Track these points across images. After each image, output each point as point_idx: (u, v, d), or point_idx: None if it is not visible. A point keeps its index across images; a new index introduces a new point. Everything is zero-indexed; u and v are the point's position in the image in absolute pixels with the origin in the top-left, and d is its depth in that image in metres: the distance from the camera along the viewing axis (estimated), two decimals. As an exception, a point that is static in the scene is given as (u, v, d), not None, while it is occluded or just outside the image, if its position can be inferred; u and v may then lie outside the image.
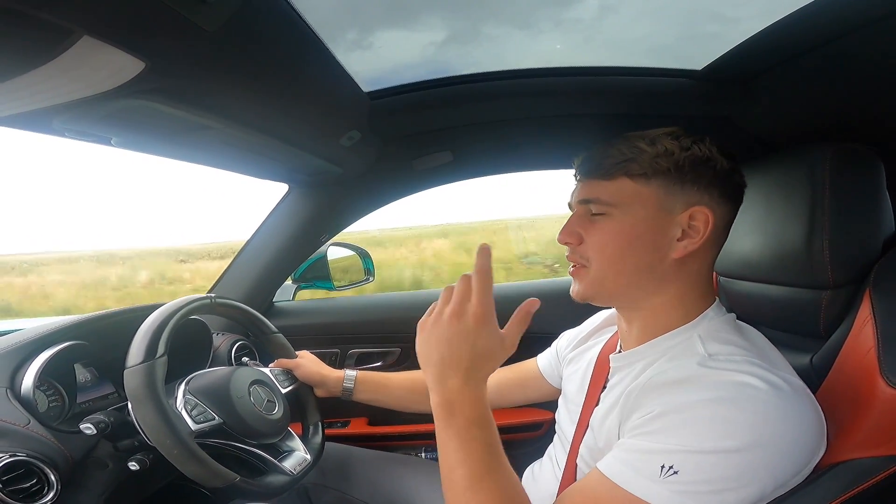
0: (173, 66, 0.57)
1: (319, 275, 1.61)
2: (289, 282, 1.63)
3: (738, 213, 0.93)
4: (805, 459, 0.62)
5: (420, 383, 1.19)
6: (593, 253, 0.75)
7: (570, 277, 0.81)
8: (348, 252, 1.66)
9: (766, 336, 0.74)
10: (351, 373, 1.20)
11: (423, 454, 1.57)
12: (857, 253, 0.78)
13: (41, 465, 0.82)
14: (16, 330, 1.04)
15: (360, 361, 1.58)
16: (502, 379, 1.16)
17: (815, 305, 0.81)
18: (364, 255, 1.68)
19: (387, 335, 1.59)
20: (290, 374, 1.16)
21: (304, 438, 1.11)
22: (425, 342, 0.70)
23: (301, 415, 1.17)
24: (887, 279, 0.74)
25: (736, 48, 0.92)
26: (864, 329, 0.72)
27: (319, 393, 1.19)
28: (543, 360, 1.11)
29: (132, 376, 0.83)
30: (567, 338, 1.07)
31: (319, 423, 1.17)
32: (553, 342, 1.14)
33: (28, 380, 0.91)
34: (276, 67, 0.72)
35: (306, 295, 1.74)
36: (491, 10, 1.03)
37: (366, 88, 1.02)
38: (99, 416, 0.93)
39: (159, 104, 0.65)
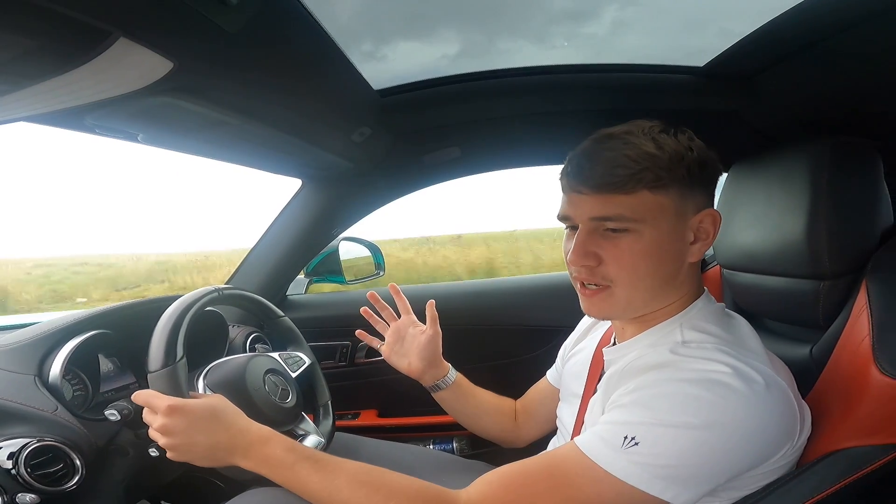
0: (198, 65, 0.61)
1: (331, 269, 1.63)
2: (301, 276, 1.66)
3: (741, 205, 0.96)
4: (766, 451, 0.64)
5: (502, 406, 1.13)
6: (619, 273, 0.70)
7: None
8: (359, 247, 1.69)
9: (767, 327, 0.75)
10: (454, 372, 1.11)
11: (431, 445, 1.61)
12: (854, 243, 0.79)
13: (68, 450, 0.84)
14: (33, 323, 1.08)
15: (371, 353, 1.61)
16: (529, 402, 1.14)
17: (815, 295, 0.82)
18: (375, 250, 1.71)
19: None
20: (298, 359, 1.17)
21: (316, 420, 1.14)
22: (189, 451, 0.77)
23: (311, 396, 1.19)
24: (883, 269, 0.76)
25: (738, 44, 0.93)
26: (859, 318, 0.74)
27: (420, 369, 1.07)
28: (551, 373, 1.11)
29: (156, 381, 0.85)
30: (566, 343, 1.08)
31: (329, 404, 1.19)
32: (558, 340, 1.14)
33: (56, 368, 0.94)
34: (292, 66, 0.76)
35: (318, 289, 1.77)
36: (507, 24, 1.05)
37: (376, 86, 1.05)
38: (123, 403, 0.96)
39: (184, 102, 0.69)
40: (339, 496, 0.70)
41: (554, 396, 1.06)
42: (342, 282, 1.65)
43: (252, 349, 1.32)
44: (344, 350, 1.61)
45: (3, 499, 0.74)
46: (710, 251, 1.19)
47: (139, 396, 0.81)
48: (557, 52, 1.10)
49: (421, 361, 1.05)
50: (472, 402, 1.10)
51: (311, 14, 0.70)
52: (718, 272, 1.16)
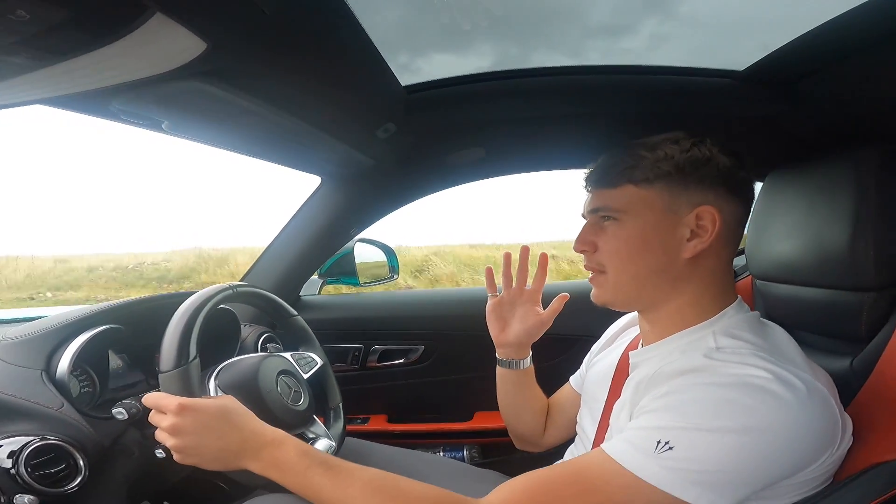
0: (232, 47, 0.58)
1: (346, 271, 1.62)
2: (315, 276, 1.64)
3: (778, 214, 0.93)
4: (805, 459, 0.62)
5: (545, 409, 1.12)
6: (607, 258, 0.78)
7: (587, 281, 0.83)
8: (374, 249, 1.67)
9: (803, 339, 0.74)
10: (531, 360, 1.07)
11: (441, 453, 1.58)
12: None
13: (71, 450, 0.82)
14: (44, 316, 1.05)
15: (384, 357, 1.59)
16: (553, 405, 1.14)
17: (858, 308, 0.80)
18: (389, 253, 1.69)
19: (410, 332, 1.60)
20: (310, 360, 1.15)
21: (327, 423, 1.12)
22: (197, 454, 0.76)
23: (321, 397, 1.16)
24: None
25: (780, 50, 0.91)
26: None
27: (509, 341, 1.04)
28: (574, 378, 1.11)
29: (168, 381, 0.83)
30: (592, 349, 1.08)
31: (340, 406, 1.17)
32: (579, 349, 1.13)
33: (64, 363, 0.91)
34: (322, 54, 0.73)
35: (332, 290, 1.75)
36: (543, 38, 1.05)
37: (403, 82, 1.03)
38: (131, 402, 0.93)
39: (214, 87, 0.66)
40: (352, 502, 0.68)
41: (576, 402, 1.05)
42: (356, 283, 1.64)
43: (264, 349, 1.30)
44: (356, 353, 1.59)
45: (1, 499, 0.71)
46: (741, 261, 1.17)
47: (149, 399, 0.79)
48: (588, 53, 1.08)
49: (516, 335, 1.02)
50: (527, 393, 1.08)
51: (344, 1, 0.67)
52: (750, 283, 1.13)
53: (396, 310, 1.66)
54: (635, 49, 1.04)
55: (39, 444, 0.78)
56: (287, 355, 1.10)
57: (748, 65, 1.00)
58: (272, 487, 0.87)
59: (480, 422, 1.58)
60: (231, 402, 0.79)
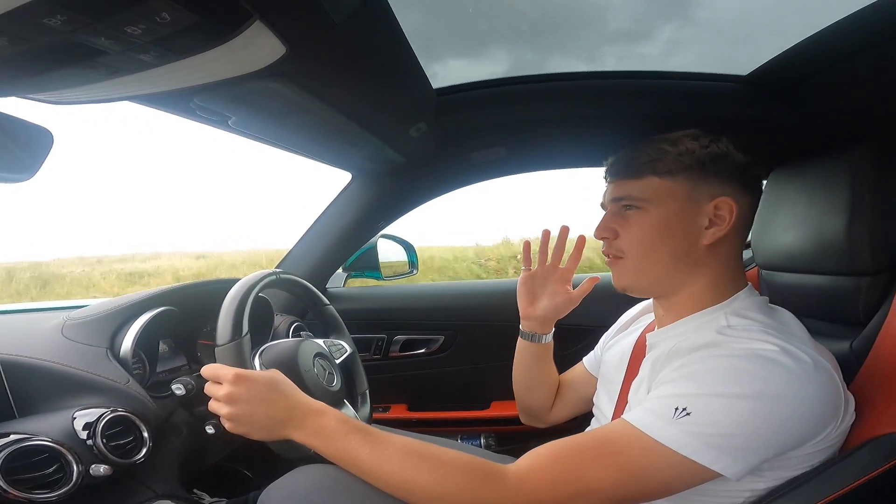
0: (305, 52, 0.66)
1: (369, 265, 1.70)
2: (340, 271, 1.72)
3: (781, 208, 1.00)
4: (814, 426, 0.67)
5: (560, 388, 1.17)
6: (629, 245, 0.82)
7: (604, 273, 0.88)
8: (396, 245, 1.75)
9: (808, 325, 0.78)
10: (552, 336, 1.11)
11: (458, 440, 1.64)
12: (894, 240, 0.84)
13: (139, 422, 0.87)
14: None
15: (405, 347, 1.66)
16: (564, 384, 1.19)
17: (855, 291, 0.87)
18: (409, 249, 1.77)
19: (431, 323, 1.67)
20: (340, 347, 1.21)
21: (355, 407, 1.18)
22: (249, 423, 0.80)
23: (350, 383, 1.22)
24: None
25: (782, 54, 0.97)
26: None
27: (535, 315, 1.07)
28: (588, 359, 1.16)
29: (224, 354, 0.88)
30: (607, 334, 1.13)
31: (367, 392, 1.24)
32: (592, 341, 1.18)
33: (127, 342, 0.98)
34: (372, 59, 0.81)
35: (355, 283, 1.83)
36: (559, 43, 1.10)
37: (434, 85, 1.10)
38: (186, 379, 1.01)
39: (282, 86, 0.74)
40: (389, 467, 0.72)
41: (587, 382, 1.11)
42: (378, 277, 1.72)
43: (295, 336, 1.36)
44: (379, 343, 1.66)
45: (78, 468, 0.75)
46: (747, 254, 1.25)
47: (207, 370, 0.84)
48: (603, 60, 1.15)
49: (544, 310, 1.06)
50: (543, 368, 1.12)
51: (391, 9, 0.75)
52: (756, 274, 1.20)
53: (418, 301, 1.73)
54: (651, 54, 1.09)
55: (111, 416, 0.83)
56: (320, 341, 1.16)
57: (752, 69, 1.07)
58: (308, 462, 0.92)
59: (497, 410, 1.65)
60: (279, 374, 0.84)
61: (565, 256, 1.08)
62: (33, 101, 0.66)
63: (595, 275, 1.06)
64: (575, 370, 1.18)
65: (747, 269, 1.26)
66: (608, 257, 0.87)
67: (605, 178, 0.89)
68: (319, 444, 0.77)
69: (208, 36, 0.54)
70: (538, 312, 1.06)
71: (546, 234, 1.08)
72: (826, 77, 0.98)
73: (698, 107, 1.16)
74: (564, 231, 1.07)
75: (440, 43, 1.06)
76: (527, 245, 1.10)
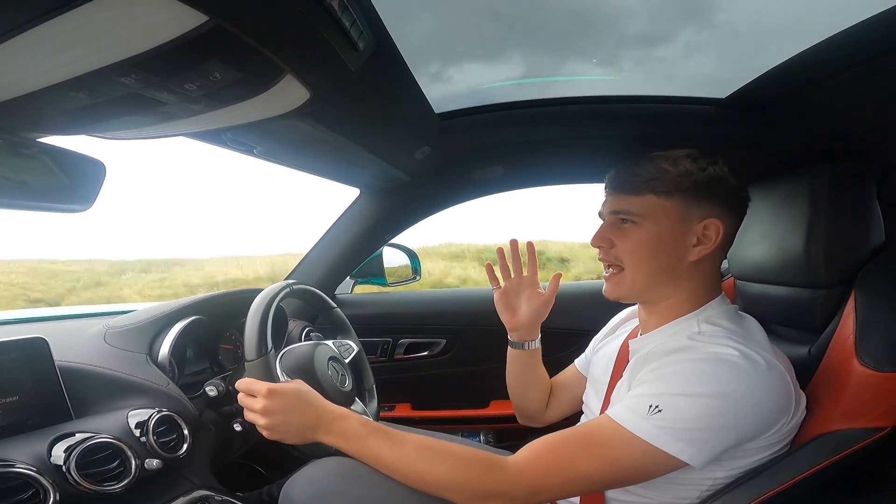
0: (326, 96, 0.75)
1: (375, 272, 1.79)
2: (347, 278, 1.81)
3: (753, 223, 1.06)
4: (766, 421, 0.75)
5: (549, 385, 1.24)
6: (625, 256, 0.88)
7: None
8: (400, 253, 1.84)
9: (774, 331, 0.88)
10: (539, 342, 1.18)
11: (459, 436, 1.69)
12: (847, 257, 0.92)
13: (180, 420, 0.95)
14: (123, 311, 1.21)
15: (409, 350, 1.76)
16: (557, 385, 1.26)
17: (813, 302, 0.95)
18: (413, 257, 1.86)
19: (433, 327, 1.77)
20: (348, 346, 1.30)
21: (363, 402, 1.26)
22: (284, 431, 0.87)
23: (358, 380, 1.30)
24: (870, 280, 0.89)
25: (756, 80, 1.05)
26: (847, 320, 0.86)
27: (520, 324, 1.13)
28: (579, 361, 1.23)
29: (254, 369, 0.94)
30: (596, 337, 1.20)
31: (374, 388, 1.32)
32: (584, 344, 1.24)
33: (164, 348, 1.07)
34: (382, 96, 0.91)
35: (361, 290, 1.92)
36: (576, 47, 1.13)
37: (437, 110, 1.19)
38: (216, 381, 1.09)
39: (304, 123, 0.84)
40: (407, 461, 0.80)
41: (579, 382, 1.18)
42: (384, 284, 1.81)
43: (307, 339, 1.45)
44: (385, 346, 1.75)
45: (135, 462, 0.83)
46: (725, 264, 1.34)
47: (242, 384, 0.91)
48: (626, 75, 1.19)
49: (525, 318, 1.12)
50: (534, 373, 1.19)
51: (401, 54, 0.85)
52: (732, 283, 1.29)
53: (422, 307, 1.83)
54: (670, 58, 1.12)
55: (158, 415, 0.92)
56: (329, 343, 1.24)
57: (729, 93, 1.15)
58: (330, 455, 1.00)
59: (496, 409, 1.75)
60: (303, 385, 0.92)
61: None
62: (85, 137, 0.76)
63: (558, 272, 1.13)
64: (567, 372, 1.25)
65: (724, 279, 1.35)
66: (606, 269, 0.93)
67: (606, 190, 0.94)
68: (345, 445, 0.85)
69: (248, 88, 0.64)
70: (522, 320, 1.12)
71: (500, 251, 1.14)
72: (792, 102, 1.06)
73: (681, 128, 1.25)
74: (514, 244, 1.13)
75: (454, 46, 1.10)
76: (489, 267, 1.14)
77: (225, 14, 0.47)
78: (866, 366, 0.79)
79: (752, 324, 0.88)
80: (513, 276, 1.13)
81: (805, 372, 0.89)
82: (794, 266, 0.96)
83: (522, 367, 1.18)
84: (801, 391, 0.83)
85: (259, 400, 0.87)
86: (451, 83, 1.16)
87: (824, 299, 0.94)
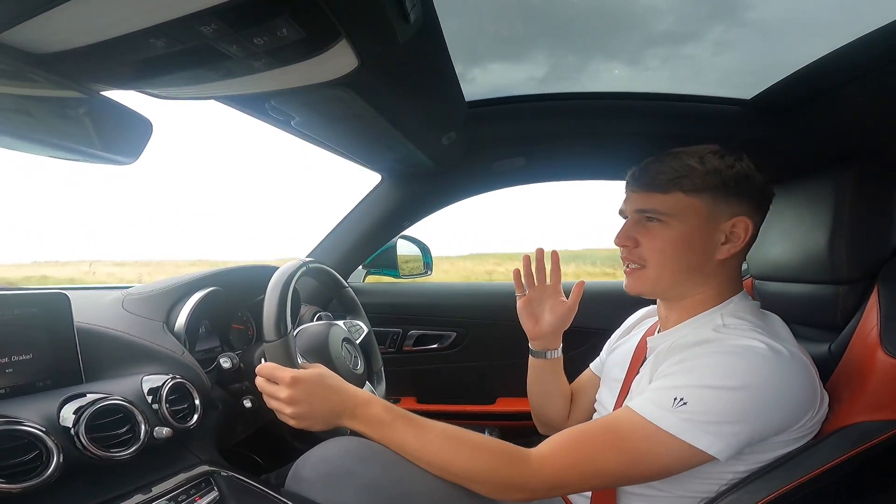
0: (372, 66, 0.75)
1: (387, 263, 1.80)
2: (360, 268, 1.82)
3: (773, 223, 1.08)
4: (793, 415, 0.75)
5: (575, 393, 1.23)
6: (651, 255, 0.87)
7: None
8: (413, 246, 1.85)
9: (793, 330, 0.86)
10: (561, 350, 1.18)
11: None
12: (869, 254, 0.93)
13: (192, 390, 0.94)
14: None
15: (419, 342, 1.76)
16: (575, 390, 1.25)
17: (834, 299, 0.96)
18: (425, 251, 1.87)
19: (444, 320, 1.77)
20: (358, 327, 1.30)
21: (372, 384, 1.26)
22: (310, 418, 0.86)
23: (367, 361, 1.29)
24: (894, 276, 0.91)
25: (781, 81, 1.07)
26: (870, 314, 0.88)
27: (543, 332, 1.14)
28: (595, 364, 1.23)
29: (273, 350, 0.93)
30: (612, 337, 1.20)
31: (382, 370, 1.32)
32: (597, 342, 1.26)
33: (182, 317, 1.06)
34: (421, 75, 0.91)
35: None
36: (602, 46, 1.14)
37: (466, 98, 1.20)
38: (231, 354, 1.09)
39: (346, 94, 0.84)
40: (431, 447, 0.80)
41: (595, 385, 1.17)
42: (396, 275, 1.81)
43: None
44: (394, 337, 1.75)
45: (145, 428, 0.81)
46: (744, 265, 1.35)
47: (264, 370, 0.89)
48: (651, 74, 1.20)
49: (549, 326, 1.12)
50: (556, 381, 1.18)
51: (443, 34, 0.85)
52: (751, 284, 1.30)
53: (433, 298, 1.83)
54: (698, 55, 1.12)
55: (172, 382, 0.90)
56: (341, 323, 1.24)
57: (755, 94, 1.17)
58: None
59: (502, 406, 1.74)
60: (325, 370, 0.90)
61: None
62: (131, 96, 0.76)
63: (581, 280, 1.12)
64: (583, 377, 1.24)
65: (743, 279, 1.36)
66: (627, 266, 0.92)
67: (629, 188, 0.92)
68: (369, 431, 0.84)
69: (307, 49, 0.64)
70: (545, 329, 1.12)
71: (526, 259, 1.14)
72: (818, 103, 1.08)
73: (705, 127, 1.26)
74: (540, 253, 1.13)
75: (481, 46, 1.11)
76: (517, 273, 1.14)
77: None
78: (891, 355, 0.80)
79: (776, 320, 0.88)
80: (536, 284, 1.13)
81: (825, 369, 0.89)
82: (817, 263, 0.97)
83: (544, 375, 1.18)
84: (824, 389, 0.83)
85: (283, 389, 0.85)
86: (475, 84, 1.17)
87: (846, 296, 0.95)
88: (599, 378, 1.17)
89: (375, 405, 0.86)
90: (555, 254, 1.13)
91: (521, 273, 1.13)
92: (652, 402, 0.75)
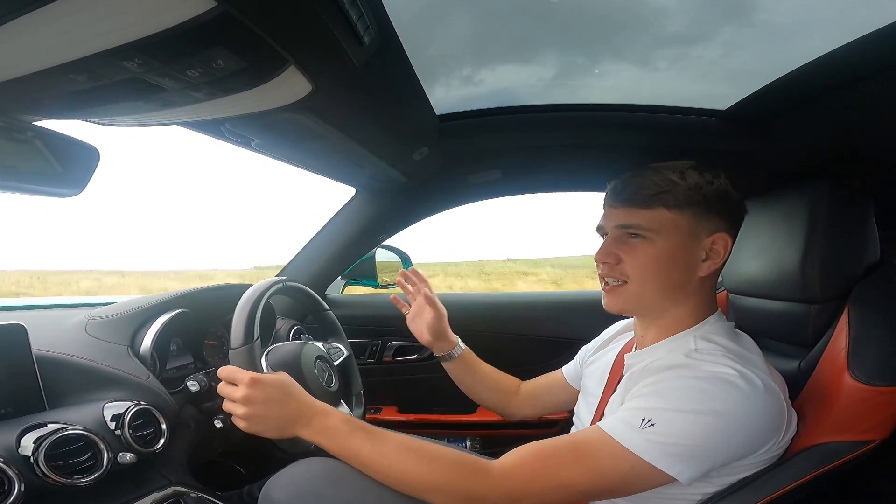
0: (328, 89, 0.74)
1: (366, 273, 1.78)
2: (339, 278, 1.80)
3: (749, 238, 1.08)
4: (758, 441, 0.75)
5: (499, 380, 1.27)
6: (633, 272, 0.85)
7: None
8: (392, 255, 1.83)
9: (764, 345, 0.87)
10: (462, 344, 1.25)
11: (445, 441, 1.70)
12: (842, 274, 0.92)
13: (158, 414, 0.93)
14: (107, 303, 1.18)
15: (399, 353, 1.74)
16: (536, 388, 1.27)
17: (805, 317, 0.96)
18: (405, 259, 1.85)
19: None
20: (338, 350, 1.29)
21: (350, 407, 1.25)
22: (263, 424, 0.85)
23: (346, 384, 1.29)
24: (864, 296, 0.90)
25: (756, 92, 1.06)
26: (840, 335, 0.87)
27: (428, 340, 1.22)
28: (568, 369, 1.23)
29: (237, 356, 0.94)
30: (587, 348, 1.20)
31: (361, 393, 1.31)
32: (575, 352, 1.25)
33: (147, 340, 1.05)
34: (384, 94, 0.89)
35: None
36: (612, 48, 1.11)
37: (437, 112, 1.18)
38: (199, 376, 1.08)
39: (304, 117, 0.82)
40: (387, 461, 0.79)
41: (562, 388, 1.21)
42: (375, 285, 1.79)
43: (295, 339, 1.43)
44: (374, 348, 1.74)
45: (108, 456, 0.81)
46: (719, 278, 1.34)
47: (224, 371, 0.88)
48: (661, 75, 1.17)
49: (430, 331, 1.20)
50: (475, 375, 1.25)
51: (405, 52, 0.84)
52: (725, 297, 1.29)
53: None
54: (707, 57, 1.10)
55: (136, 408, 0.90)
56: (320, 344, 1.23)
57: (729, 105, 1.16)
58: (311, 455, 0.97)
59: (482, 415, 1.74)
60: (288, 378, 0.90)
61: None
62: (79, 122, 0.74)
63: (411, 269, 1.27)
64: (552, 377, 1.26)
65: (717, 291, 1.35)
66: (605, 283, 0.90)
67: (608, 203, 0.90)
68: (325, 442, 0.83)
69: (251, 78, 0.62)
70: (428, 336, 1.21)
71: (400, 282, 1.26)
72: (793, 115, 1.07)
73: (680, 139, 1.25)
74: (403, 273, 1.25)
75: (488, 48, 1.10)
76: (395, 299, 1.30)
77: (233, 0, 0.46)
78: (858, 380, 0.80)
79: (749, 342, 0.87)
80: (413, 301, 1.23)
81: (794, 386, 0.89)
82: (789, 281, 0.97)
83: (462, 373, 1.25)
84: (793, 410, 0.82)
85: (240, 389, 0.85)
86: (484, 85, 1.17)
87: (817, 314, 0.94)
88: (570, 385, 1.19)
89: (334, 416, 0.85)
90: (413, 270, 1.25)
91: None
92: (621, 421, 0.75)
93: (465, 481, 0.77)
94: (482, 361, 1.27)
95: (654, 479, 0.73)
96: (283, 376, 0.90)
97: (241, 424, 0.85)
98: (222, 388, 0.88)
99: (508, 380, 1.28)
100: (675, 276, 0.85)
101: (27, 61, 0.51)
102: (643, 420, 0.72)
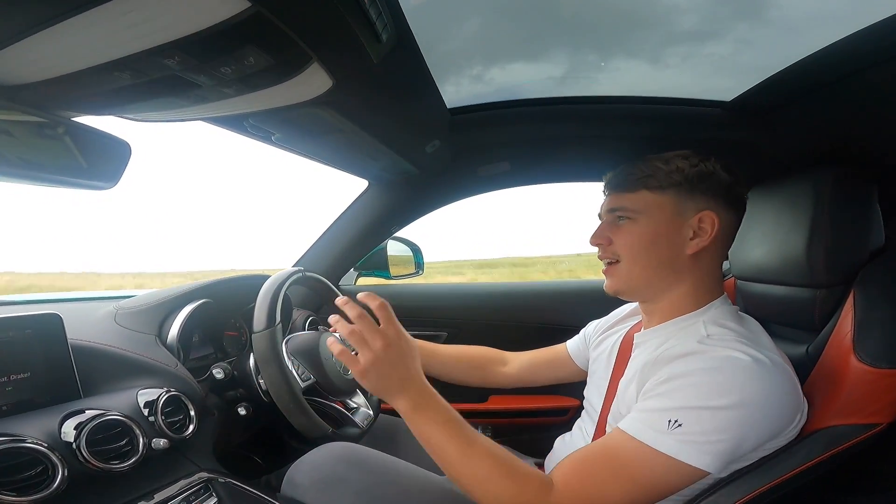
0: (348, 85, 0.77)
1: (379, 265, 1.81)
2: (351, 270, 1.84)
3: (755, 225, 1.10)
4: (782, 423, 0.76)
5: (466, 355, 1.31)
6: (622, 250, 0.91)
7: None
8: (404, 247, 1.86)
9: (772, 330, 0.88)
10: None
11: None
12: (847, 258, 0.94)
13: (187, 401, 0.96)
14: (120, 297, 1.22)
15: None
16: (534, 359, 1.30)
17: (811, 302, 0.97)
18: (416, 251, 1.88)
19: (435, 320, 1.79)
20: None
21: (366, 395, 1.29)
22: (378, 378, 0.81)
23: None
24: (870, 280, 0.91)
25: (761, 83, 1.08)
26: (846, 319, 0.89)
27: None
28: (572, 343, 1.26)
29: (260, 340, 0.97)
30: (595, 325, 1.22)
31: None
32: (581, 330, 1.28)
33: (174, 330, 1.09)
34: (399, 89, 0.93)
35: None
36: (623, 45, 1.14)
37: (448, 105, 1.21)
38: (224, 365, 1.11)
39: (324, 112, 0.86)
40: (469, 462, 0.78)
41: (563, 363, 1.24)
42: (387, 277, 1.82)
43: (311, 329, 1.47)
44: None
45: (143, 441, 0.84)
46: (726, 265, 1.36)
47: (355, 302, 0.87)
48: (671, 71, 1.18)
49: None
50: (433, 362, 1.27)
51: (419, 48, 0.86)
52: (733, 283, 1.32)
53: (424, 299, 1.85)
54: (718, 54, 1.10)
55: (167, 395, 0.93)
56: (336, 333, 1.26)
57: (734, 96, 1.18)
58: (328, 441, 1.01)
59: (494, 403, 1.76)
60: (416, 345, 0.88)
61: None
62: (110, 117, 0.77)
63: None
64: (554, 350, 1.29)
65: (725, 278, 1.37)
66: (605, 264, 0.96)
67: (604, 191, 0.98)
68: (418, 419, 0.81)
69: (277, 75, 0.66)
70: None
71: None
72: (797, 106, 1.09)
73: (687, 129, 1.27)
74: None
75: (498, 46, 1.11)
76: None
77: (265, 1, 0.49)
78: (864, 362, 0.81)
79: (756, 326, 0.89)
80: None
81: (802, 371, 0.90)
82: (795, 266, 0.98)
83: (433, 367, 1.26)
84: (803, 395, 0.83)
85: (381, 338, 0.82)
86: (493, 83, 1.19)
87: (823, 299, 0.96)
88: (573, 360, 1.23)
89: (438, 397, 0.84)
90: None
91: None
92: (647, 425, 0.75)
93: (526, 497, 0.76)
94: (438, 345, 1.31)
95: (690, 476, 0.74)
96: (414, 342, 0.89)
97: (357, 370, 0.82)
98: (363, 324, 0.84)
99: (484, 352, 1.32)
100: (662, 252, 0.89)
101: (75, 59, 0.55)
102: (670, 422, 0.73)
